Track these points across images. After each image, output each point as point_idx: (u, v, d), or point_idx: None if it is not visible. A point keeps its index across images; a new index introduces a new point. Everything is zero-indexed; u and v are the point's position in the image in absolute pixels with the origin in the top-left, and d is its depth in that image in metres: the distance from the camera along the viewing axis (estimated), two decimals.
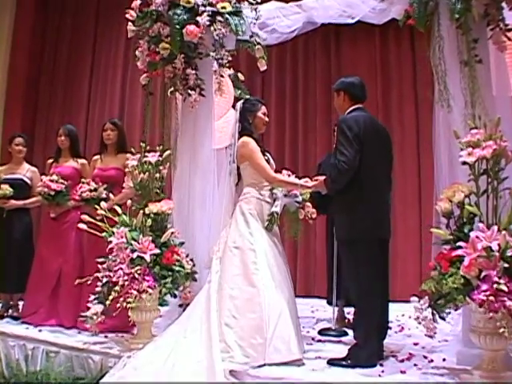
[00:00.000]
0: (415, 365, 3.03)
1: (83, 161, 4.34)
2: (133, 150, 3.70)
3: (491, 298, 2.43)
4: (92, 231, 3.54)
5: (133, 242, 3.30)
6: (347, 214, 3.04)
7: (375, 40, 5.87)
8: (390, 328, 3.78)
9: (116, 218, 3.53)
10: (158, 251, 3.32)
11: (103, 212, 3.55)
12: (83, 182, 4.01)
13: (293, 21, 3.85)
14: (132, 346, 3.37)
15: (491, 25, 3.04)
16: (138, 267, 3.24)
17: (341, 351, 3.33)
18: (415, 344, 3.52)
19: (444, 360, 3.09)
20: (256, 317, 3.04)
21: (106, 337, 3.71)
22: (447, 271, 2.65)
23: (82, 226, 3.57)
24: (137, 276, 3.20)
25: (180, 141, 3.91)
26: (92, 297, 3.46)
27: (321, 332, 3.94)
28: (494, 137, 2.72)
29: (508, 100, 3.21)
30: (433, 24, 3.21)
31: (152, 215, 3.41)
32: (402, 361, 3.12)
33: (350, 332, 3.92)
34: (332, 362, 3.06)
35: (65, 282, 4.12)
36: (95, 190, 3.97)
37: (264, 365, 2.97)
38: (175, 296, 3.42)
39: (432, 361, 3.11)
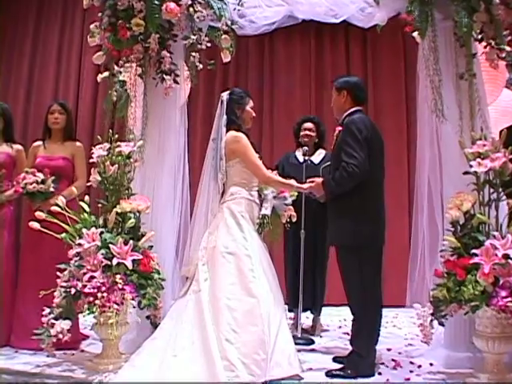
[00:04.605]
0: (411, 371, 3.04)
1: (19, 147, 3.62)
2: (99, 137, 3.19)
3: None
4: (48, 232, 2.97)
5: (111, 246, 2.82)
6: (353, 219, 2.93)
7: (310, 41, 5.84)
8: None
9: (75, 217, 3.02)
10: (140, 256, 2.89)
11: (62, 209, 3.00)
12: (27, 172, 3.35)
13: (274, 13, 3.64)
14: (100, 366, 2.89)
15: (484, 42, 3.18)
16: (118, 276, 2.78)
17: (325, 361, 3.27)
18: (388, 350, 3.53)
19: (431, 365, 3.14)
20: (258, 330, 2.78)
21: (52, 356, 3.13)
22: (464, 279, 2.69)
23: (34, 224, 2.98)
24: (120, 286, 2.74)
25: (147, 130, 3.45)
26: (47, 310, 2.89)
27: None
28: (500, 149, 2.84)
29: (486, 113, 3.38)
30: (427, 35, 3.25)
31: (131, 214, 2.96)
32: (395, 368, 3.11)
33: (316, 339, 3.88)
34: (331, 374, 2.94)
35: None
36: (43, 182, 3.34)
37: (265, 382, 2.74)
38: (156, 308, 3.00)
39: (420, 366, 3.14)
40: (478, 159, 2.85)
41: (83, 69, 5.83)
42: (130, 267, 2.82)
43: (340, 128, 3.09)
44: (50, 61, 5.84)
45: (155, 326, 3.06)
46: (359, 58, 5.75)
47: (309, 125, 4.15)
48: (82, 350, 3.35)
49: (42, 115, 5.48)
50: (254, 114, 3.31)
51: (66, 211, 2.99)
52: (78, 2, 5.92)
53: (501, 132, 3.22)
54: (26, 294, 3.32)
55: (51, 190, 3.37)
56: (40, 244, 3.31)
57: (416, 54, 5.12)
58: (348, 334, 4.04)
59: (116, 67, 3.73)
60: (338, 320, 4.62)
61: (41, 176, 3.35)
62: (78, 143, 3.65)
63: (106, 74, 4.14)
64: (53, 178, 3.40)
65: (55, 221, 2.95)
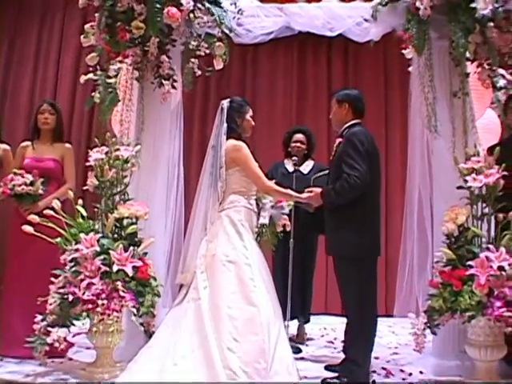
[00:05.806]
0: (403, 379, 3.11)
1: (6, 146, 3.48)
2: (96, 140, 3.11)
3: (508, 313, 2.63)
4: (40, 235, 2.87)
5: (111, 252, 2.76)
6: (355, 230, 2.97)
7: (293, 53, 5.89)
8: None
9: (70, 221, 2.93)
10: (140, 263, 2.84)
11: (57, 213, 2.91)
12: (15, 173, 3.23)
13: (272, 23, 3.67)
14: (95, 375, 2.81)
15: (477, 62, 3.31)
16: (119, 283, 2.72)
17: (317, 369, 3.32)
18: (376, 358, 3.58)
19: (421, 373, 3.22)
20: (259, 339, 2.77)
21: (44, 364, 3.00)
22: (460, 289, 2.78)
23: (27, 228, 2.87)
24: (121, 293, 2.68)
25: (142, 135, 3.40)
26: (40, 317, 2.79)
27: None
28: (493, 165, 2.97)
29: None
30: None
31: (130, 220, 2.91)
32: (387, 376, 3.18)
33: (303, 348, 3.91)
34: (327, 382, 2.97)
35: None
36: (31, 183, 3.22)
37: None
38: (153, 316, 2.94)
39: (411, 374, 3.22)
40: (473, 175, 2.96)
41: (61, 72, 5.69)
42: (131, 274, 2.77)
43: (340, 139, 3.14)
44: (28, 63, 5.68)
45: (149, 334, 3.00)
46: (340, 70, 5.84)
47: (300, 136, 4.17)
48: (70, 358, 3.25)
49: (17, 117, 5.38)
50: (253, 123, 3.31)
51: (62, 215, 2.90)
52: (58, 5, 5.85)
53: (489, 149, 3.35)
54: (12, 300, 3.21)
55: (40, 192, 3.26)
56: (28, 248, 3.21)
57: (397, 69, 5.37)
58: (332, 342, 4.14)
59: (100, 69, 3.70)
60: (318, 329, 4.66)
61: (29, 178, 3.24)
62: (67, 145, 3.56)
63: (90, 75, 4.08)
64: (42, 180, 3.30)
65: (50, 224, 2.86)
